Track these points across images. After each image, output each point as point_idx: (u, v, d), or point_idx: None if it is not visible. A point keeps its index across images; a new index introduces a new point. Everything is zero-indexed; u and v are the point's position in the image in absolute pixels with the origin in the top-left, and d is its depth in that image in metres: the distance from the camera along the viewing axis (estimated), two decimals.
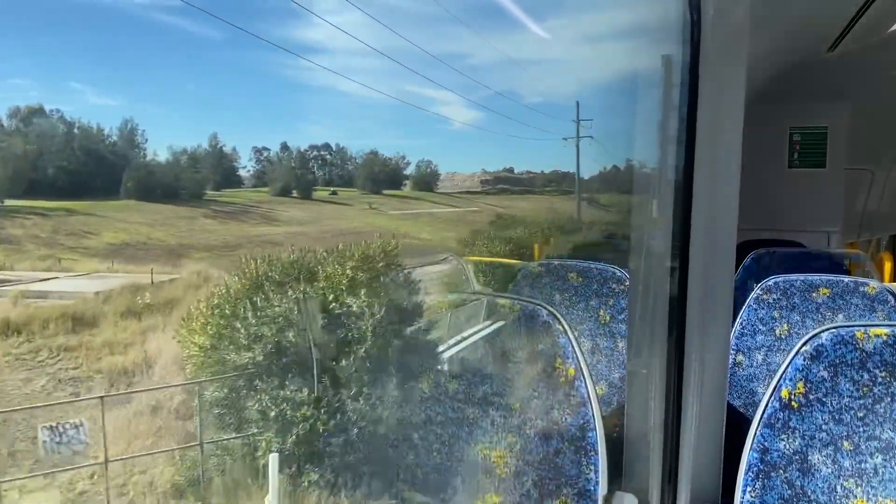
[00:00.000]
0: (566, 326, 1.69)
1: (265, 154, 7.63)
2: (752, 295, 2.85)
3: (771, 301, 2.81)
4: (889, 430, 1.58)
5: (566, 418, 1.64)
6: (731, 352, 2.78)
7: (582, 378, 1.65)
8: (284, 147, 7.63)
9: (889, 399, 1.59)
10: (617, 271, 2.85)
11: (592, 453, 1.62)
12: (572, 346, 1.66)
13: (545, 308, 1.71)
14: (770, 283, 2.83)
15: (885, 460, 1.57)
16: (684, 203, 1.71)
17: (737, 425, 1.89)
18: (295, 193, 7.71)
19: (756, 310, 2.82)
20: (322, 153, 7.87)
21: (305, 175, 7.71)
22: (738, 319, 2.83)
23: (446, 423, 1.71)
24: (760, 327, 2.81)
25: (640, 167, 2.06)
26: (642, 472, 1.83)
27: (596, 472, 1.61)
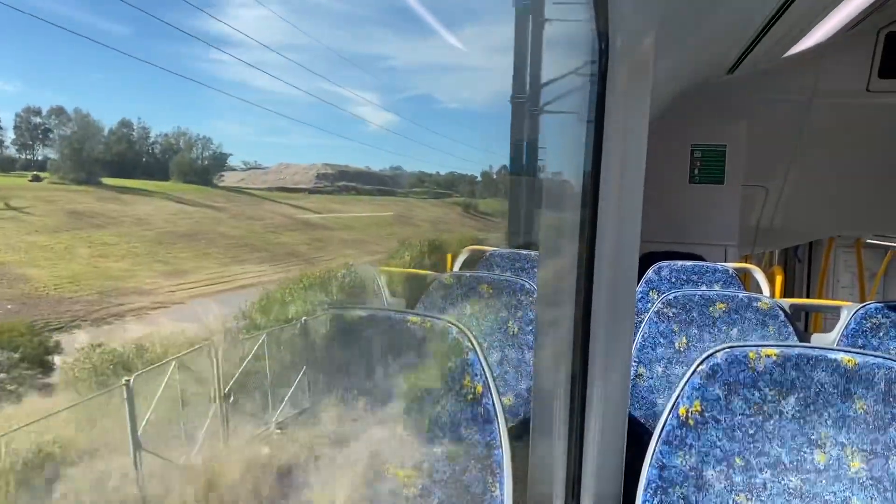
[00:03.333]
0: (475, 343, 1.69)
1: None
2: (654, 308, 2.94)
3: (671, 315, 2.90)
4: (777, 447, 1.66)
5: (474, 436, 1.64)
6: (633, 364, 2.85)
7: (489, 395, 1.65)
8: None
9: (777, 417, 1.67)
10: (526, 283, 2.88)
11: (498, 471, 1.62)
12: (481, 364, 1.67)
13: (456, 325, 1.71)
14: (670, 297, 2.92)
15: (773, 475, 1.65)
16: (591, 215, 1.74)
17: (637, 437, 1.94)
18: None
19: (657, 323, 2.91)
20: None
21: None
22: (639, 332, 2.91)
23: (353, 442, 1.69)
24: (661, 340, 2.90)
25: (549, 179, 2.09)
26: (547, 485, 1.85)
27: (501, 488, 1.61)
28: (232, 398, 1.87)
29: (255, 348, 1.91)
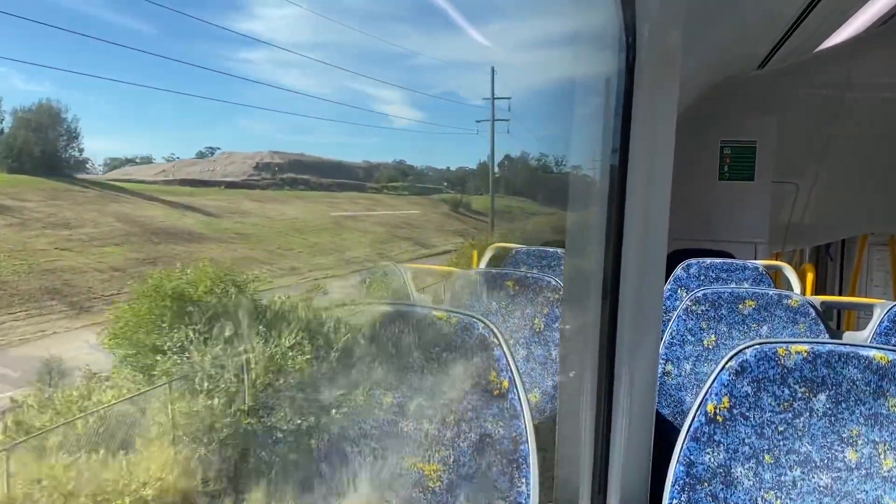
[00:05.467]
0: (501, 339, 1.69)
1: None
2: (682, 306, 2.92)
3: (699, 312, 2.88)
4: (807, 444, 1.63)
5: (499, 431, 1.64)
6: (661, 361, 2.83)
7: (515, 391, 1.65)
8: None
9: (807, 414, 1.64)
10: (553, 280, 2.87)
11: (525, 466, 1.62)
12: (507, 359, 1.67)
13: (481, 321, 1.71)
14: (699, 294, 2.90)
15: (803, 473, 1.63)
16: (618, 212, 1.73)
17: (665, 434, 1.93)
18: None
19: (685, 320, 2.88)
20: None
21: None
22: (667, 329, 2.89)
23: (380, 437, 1.70)
24: (689, 337, 2.87)
25: (575, 175, 2.08)
26: (573, 482, 1.85)
27: (528, 485, 1.61)
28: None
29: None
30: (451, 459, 1.66)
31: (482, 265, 3.99)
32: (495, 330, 1.70)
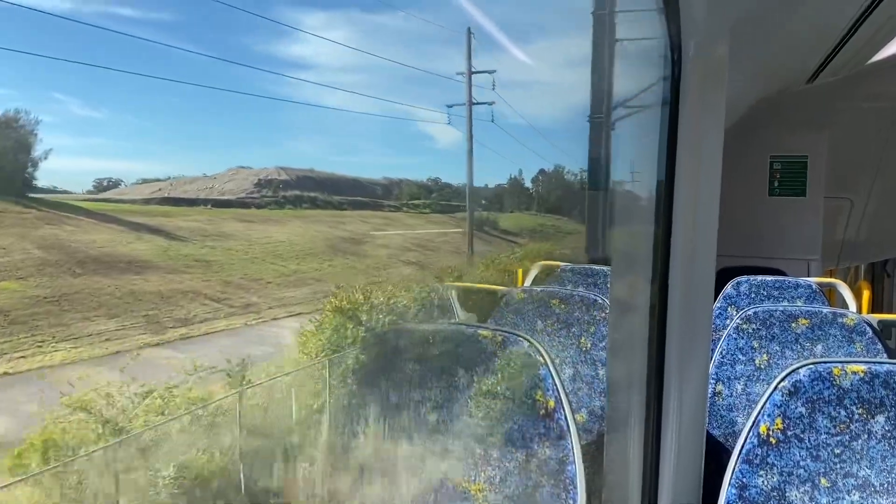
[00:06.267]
0: (547, 358, 1.68)
1: None
2: (732, 324, 2.86)
3: (751, 331, 2.82)
4: (865, 468, 1.58)
5: (546, 451, 1.63)
6: (711, 381, 2.78)
7: (562, 410, 1.64)
8: None
9: (866, 436, 1.59)
10: (599, 298, 2.85)
11: (572, 487, 1.60)
12: (553, 378, 1.66)
13: (526, 339, 1.70)
14: (750, 312, 2.84)
15: (862, 498, 1.57)
16: (664, 230, 1.71)
17: (716, 455, 1.89)
18: None
19: (736, 339, 2.82)
20: None
21: None
22: (717, 348, 2.83)
23: (426, 456, 1.69)
24: (740, 357, 2.81)
25: (621, 192, 2.07)
26: (622, 503, 1.82)
27: None
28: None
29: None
30: (497, 479, 1.64)
31: (527, 283, 3.97)
32: (541, 349, 1.69)
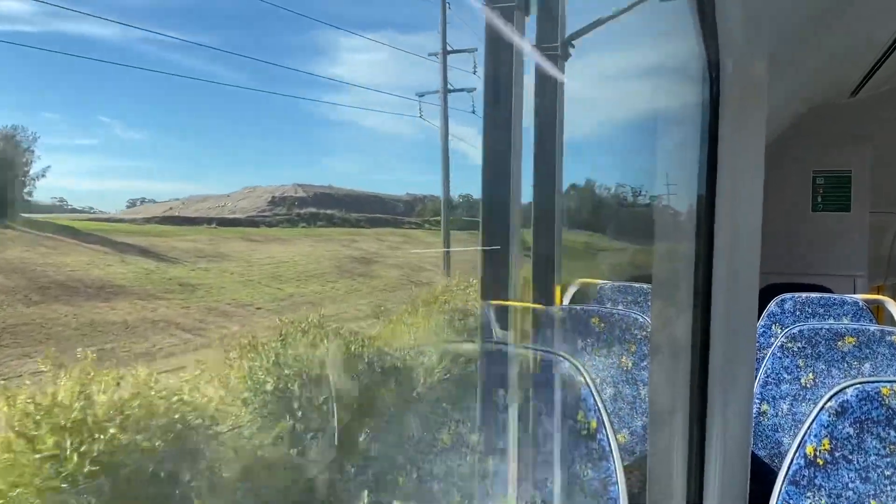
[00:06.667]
0: (588, 378, 1.67)
1: None
2: (777, 343, 2.81)
3: (796, 349, 2.77)
4: None
5: (588, 472, 1.62)
6: (756, 400, 2.73)
7: (604, 431, 1.62)
8: None
9: None
10: (640, 317, 2.82)
11: None
12: (594, 399, 1.65)
13: (567, 359, 1.69)
14: (794, 331, 2.79)
15: None
16: (706, 247, 1.70)
17: (762, 476, 1.85)
18: None
19: (780, 358, 2.78)
20: None
21: None
22: (762, 367, 2.78)
23: (466, 477, 1.69)
24: (785, 376, 2.76)
25: (660, 209, 2.06)
26: None
27: None
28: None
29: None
30: (539, 500, 1.63)
31: (566, 301, 3.95)
32: (582, 368, 1.68)
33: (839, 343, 2.74)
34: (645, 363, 2.75)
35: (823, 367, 2.74)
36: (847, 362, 2.73)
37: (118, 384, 1.57)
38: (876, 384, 1.60)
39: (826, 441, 1.59)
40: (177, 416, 1.56)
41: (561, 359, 1.70)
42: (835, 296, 3.60)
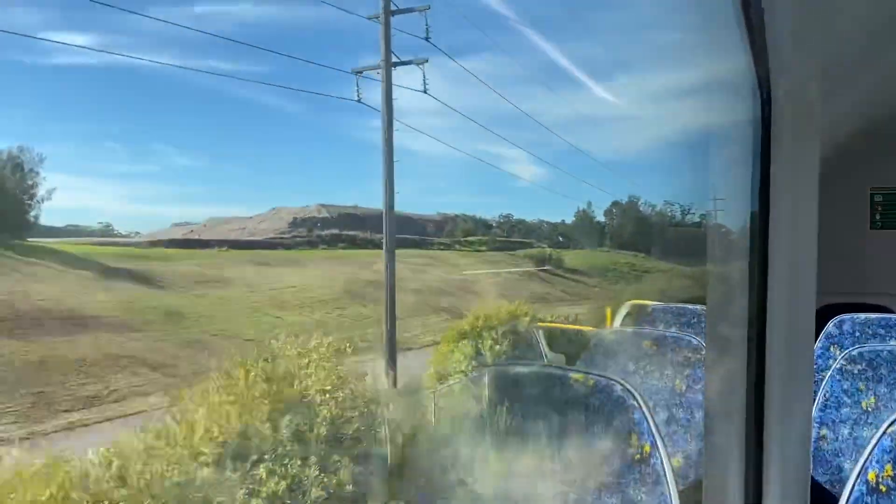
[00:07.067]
0: (641, 402, 1.65)
1: None
2: (836, 365, 2.74)
3: (856, 372, 2.69)
4: None
5: (641, 497, 1.60)
6: (815, 425, 2.66)
7: (658, 455, 1.60)
8: None
9: None
10: (693, 339, 2.78)
11: None
12: (648, 423, 1.63)
13: (619, 382, 1.68)
14: (854, 352, 2.71)
15: None
16: (760, 268, 1.67)
17: (822, 503, 1.80)
18: None
19: (840, 381, 2.70)
20: None
21: None
22: (821, 390, 2.71)
23: (519, 501, 1.68)
24: (845, 399, 2.68)
25: (713, 229, 2.04)
26: None
27: None
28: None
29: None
30: None
31: (617, 323, 3.91)
32: (634, 392, 1.67)
33: None
34: (699, 386, 2.71)
35: (885, 390, 2.66)
36: None
37: None
38: None
39: (889, 467, 1.55)
40: None
41: (613, 382, 1.68)
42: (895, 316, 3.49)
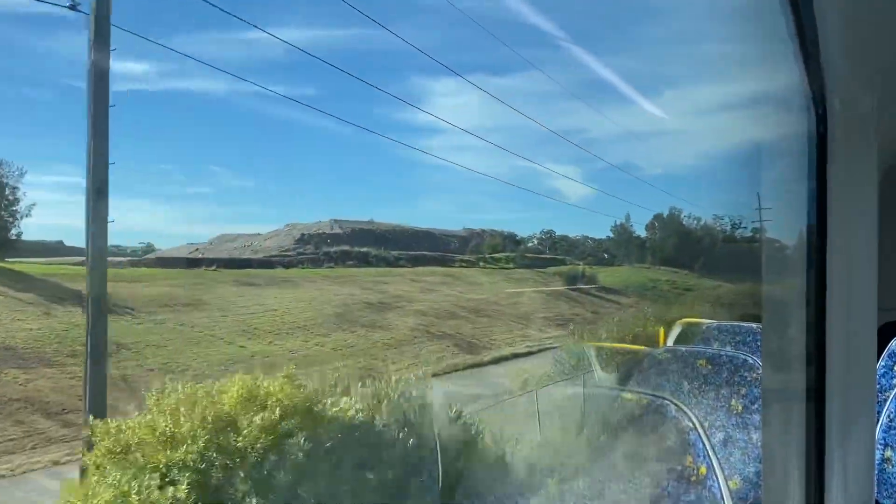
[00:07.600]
0: (696, 422, 1.63)
1: None
2: None
3: None
4: None
5: None
6: (879, 446, 2.57)
7: (714, 477, 1.57)
8: None
9: None
10: (749, 359, 2.73)
11: None
12: (703, 444, 1.60)
13: (674, 403, 1.66)
14: None
15: None
16: (818, 284, 1.64)
17: None
18: None
19: None
20: None
21: None
22: (884, 411, 2.63)
23: None
24: None
25: (769, 244, 2.00)
26: None
27: None
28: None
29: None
30: None
31: (670, 342, 3.85)
32: (689, 412, 1.65)
33: None
34: (756, 406, 2.65)
35: None
36: None
37: None
38: None
39: None
40: None
41: (667, 402, 1.66)
42: None
